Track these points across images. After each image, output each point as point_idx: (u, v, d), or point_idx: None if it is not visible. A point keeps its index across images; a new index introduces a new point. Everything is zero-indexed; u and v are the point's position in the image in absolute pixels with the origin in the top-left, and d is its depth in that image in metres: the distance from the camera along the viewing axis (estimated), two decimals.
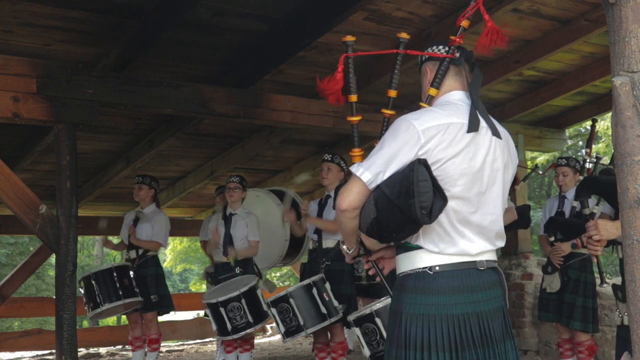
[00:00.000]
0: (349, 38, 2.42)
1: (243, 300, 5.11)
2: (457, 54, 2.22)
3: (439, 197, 1.93)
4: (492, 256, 2.14)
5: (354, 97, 2.43)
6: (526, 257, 6.89)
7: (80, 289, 5.62)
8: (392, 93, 2.41)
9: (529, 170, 6.15)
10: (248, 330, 5.20)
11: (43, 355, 8.77)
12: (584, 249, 4.82)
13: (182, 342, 10.25)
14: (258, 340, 9.34)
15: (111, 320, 18.46)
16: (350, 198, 2.02)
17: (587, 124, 13.42)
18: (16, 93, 4.26)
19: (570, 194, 5.11)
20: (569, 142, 14.10)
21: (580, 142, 15.84)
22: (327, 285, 4.89)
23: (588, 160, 5.21)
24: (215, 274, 5.78)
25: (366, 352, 4.26)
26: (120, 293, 5.55)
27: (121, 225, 6.29)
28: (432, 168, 1.96)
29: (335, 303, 4.87)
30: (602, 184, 3.39)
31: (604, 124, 12.22)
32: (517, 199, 6.48)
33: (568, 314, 4.96)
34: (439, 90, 2.23)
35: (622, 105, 1.81)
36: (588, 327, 4.91)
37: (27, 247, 18.81)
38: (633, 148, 1.81)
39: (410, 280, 2.06)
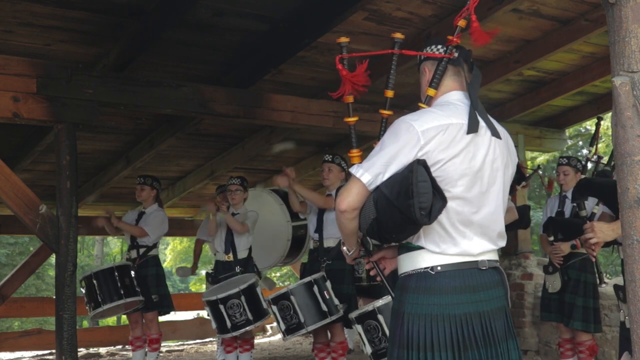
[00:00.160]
0: (343, 39, 2.42)
1: (242, 298, 5.12)
2: (456, 54, 2.22)
3: (439, 198, 1.93)
4: (494, 256, 2.14)
5: (350, 98, 2.43)
6: (526, 257, 6.89)
7: (82, 289, 5.62)
8: (389, 93, 2.41)
9: (529, 171, 6.14)
10: (247, 328, 5.20)
11: (43, 355, 8.76)
12: (584, 249, 4.82)
13: (182, 342, 10.25)
14: (258, 340, 9.34)
15: (111, 320, 18.45)
16: (350, 199, 2.03)
17: (587, 124, 13.43)
18: (16, 93, 4.26)
19: (571, 193, 5.11)
20: (569, 142, 14.10)
21: (581, 142, 15.85)
22: (328, 284, 4.89)
23: (594, 159, 5.18)
24: (216, 274, 5.78)
25: (368, 349, 4.26)
26: (122, 292, 5.55)
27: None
28: (432, 169, 1.97)
29: (336, 301, 4.87)
30: (598, 186, 3.39)
31: (604, 124, 12.20)
32: (518, 199, 6.47)
33: (568, 314, 4.96)
34: (437, 91, 2.22)
35: (622, 105, 1.81)
36: (589, 327, 4.91)
37: (27, 247, 18.80)
38: (633, 148, 1.81)
39: (412, 280, 2.06)
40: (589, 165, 5.26)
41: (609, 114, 4.58)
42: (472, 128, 2.05)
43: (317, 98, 5.81)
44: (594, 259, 3.06)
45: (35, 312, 10.36)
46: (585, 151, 15.64)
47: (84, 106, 4.51)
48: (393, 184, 1.96)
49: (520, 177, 5.09)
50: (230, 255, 5.67)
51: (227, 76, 5.34)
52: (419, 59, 2.32)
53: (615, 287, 3.04)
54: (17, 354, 9.00)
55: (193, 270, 6.94)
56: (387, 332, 4.16)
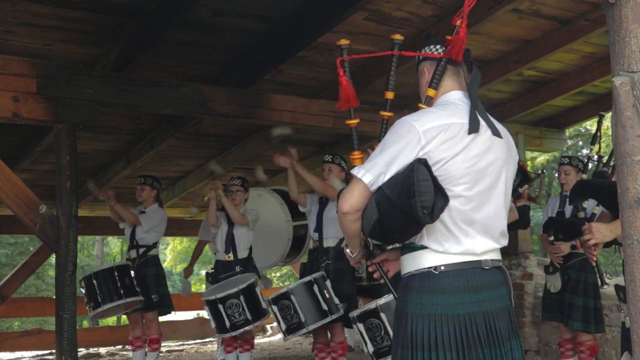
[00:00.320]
0: (344, 41, 2.42)
1: (241, 297, 5.12)
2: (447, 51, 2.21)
3: (440, 197, 1.93)
4: (497, 255, 2.14)
5: None
6: (526, 257, 6.89)
7: (81, 289, 5.62)
8: (389, 95, 2.41)
9: (531, 173, 6.14)
10: (246, 328, 5.20)
11: (43, 355, 8.76)
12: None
13: (182, 342, 10.25)
14: (258, 340, 9.34)
15: (111, 320, 18.45)
16: (352, 200, 2.02)
17: (587, 124, 13.43)
18: (16, 93, 4.26)
19: (569, 195, 5.10)
20: (569, 142, 14.10)
21: (581, 142, 15.84)
22: (328, 283, 4.89)
23: (595, 158, 5.16)
24: (216, 274, 5.79)
25: (370, 348, 4.26)
26: (122, 292, 5.55)
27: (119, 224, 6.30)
28: (434, 168, 1.97)
29: (336, 300, 4.87)
30: (596, 187, 3.39)
31: (604, 124, 12.21)
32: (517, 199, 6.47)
33: (567, 314, 4.95)
34: (437, 91, 2.22)
35: (622, 105, 1.81)
36: (589, 327, 4.90)
37: (27, 247, 18.80)
38: (633, 148, 1.81)
39: (416, 280, 2.06)
40: (590, 164, 5.25)
41: (609, 115, 4.56)
42: (473, 128, 2.05)
43: (317, 98, 5.81)
44: (594, 262, 3.04)
45: (35, 312, 10.36)
46: (585, 151, 15.64)
47: (84, 106, 4.51)
48: (394, 184, 1.96)
49: (523, 179, 5.08)
50: (231, 255, 5.67)
51: (227, 76, 5.34)
52: (417, 60, 2.32)
53: (617, 287, 3.04)
54: (17, 354, 9.00)
55: (188, 272, 6.92)
56: (390, 330, 4.16)
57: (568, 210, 5.09)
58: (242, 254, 5.70)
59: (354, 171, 2.05)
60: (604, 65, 5.74)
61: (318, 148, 7.70)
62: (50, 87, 4.38)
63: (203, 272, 21.31)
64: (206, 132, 6.79)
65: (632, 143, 1.81)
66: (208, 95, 5.05)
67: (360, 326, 4.31)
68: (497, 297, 2.08)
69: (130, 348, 6.51)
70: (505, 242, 2.17)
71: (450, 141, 2.00)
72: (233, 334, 5.25)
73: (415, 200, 1.89)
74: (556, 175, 7.62)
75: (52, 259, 11.25)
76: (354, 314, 4.38)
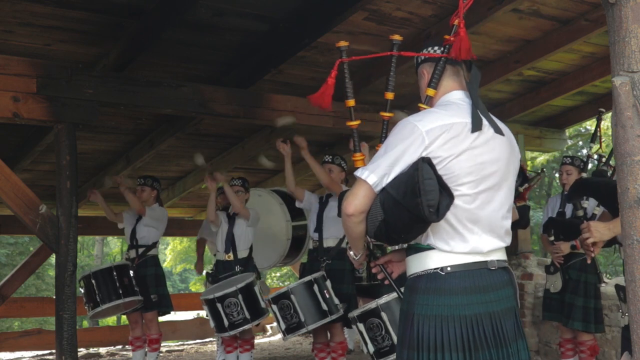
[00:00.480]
0: (343, 43, 2.42)
1: (240, 296, 5.12)
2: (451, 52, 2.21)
3: (445, 195, 1.94)
4: (503, 255, 2.14)
5: (351, 102, 2.43)
6: (526, 257, 6.89)
7: (80, 289, 5.62)
8: (389, 95, 2.41)
9: (531, 172, 6.13)
10: (245, 327, 5.20)
11: (43, 355, 8.77)
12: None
13: (182, 342, 10.25)
14: (258, 340, 9.34)
15: (111, 320, 18.46)
16: (357, 202, 2.02)
17: (587, 124, 13.42)
18: (16, 93, 4.26)
19: (568, 193, 5.09)
20: (569, 142, 14.11)
21: (581, 142, 15.85)
22: (328, 283, 4.89)
23: (595, 157, 5.13)
24: (216, 273, 5.79)
25: (370, 348, 4.25)
26: (120, 292, 5.56)
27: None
28: (438, 167, 1.97)
29: (336, 300, 4.87)
30: (594, 186, 3.38)
31: (604, 124, 12.20)
32: (517, 199, 6.47)
33: (568, 314, 4.95)
34: (437, 91, 2.22)
35: (622, 105, 1.81)
36: (590, 327, 4.90)
37: (27, 247, 18.81)
38: (633, 148, 1.81)
39: (422, 281, 2.06)
40: (590, 164, 5.23)
41: (609, 115, 4.56)
42: (476, 126, 2.05)
43: None
44: (589, 260, 3.04)
45: (35, 312, 10.36)
46: (585, 151, 15.64)
47: (84, 106, 4.51)
48: (399, 184, 1.96)
49: (523, 179, 5.08)
50: (231, 254, 5.67)
51: (227, 76, 5.34)
52: (416, 63, 2.32)
53: (617, 286, 3.04)
54: (17, 354, 9.00)
55: (200, 269, 6.95)
56: (390, 330, 4.16)
57: (568, 210, 5.09)
58: (242, 253, 5.70)
59: (358, 173, 2.04)
60: (604, 65, 5.74)
61: (318, 148, 7.69)
62: (50, 87, 4.38)
63: (203, 272, 21.32)
64: (206, 132, 6.79)
65: (632, 143, 1.81)
66: (208, 95, 5.05)
67: (361, 326, 4.30)
68: (503, 298, 2.08)
69: (130, 348, 6.51)
70: (509, 240, 2.17)
71: (454, 140, 2.01)
72: (231, 333, 5.25)
73: (421, 199, 1.89)
74: (556, 175, 7.61)
75: (52, 259, 11.25)
76: (354, 313, 4.37)
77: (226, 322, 5.15)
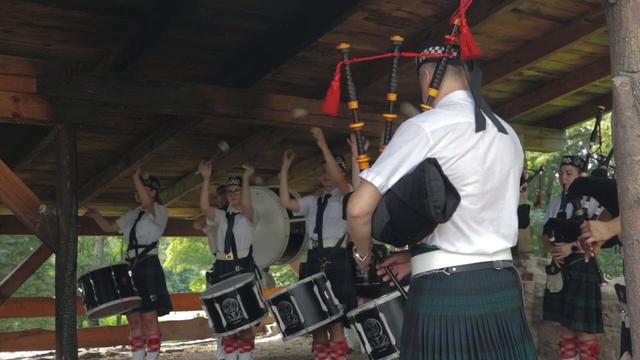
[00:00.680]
0: (344, 45, 2.41)
1: (238, 297, 5.13)
2: (455, 53, 2.21)
3: (452, 196, 1.93)
4: (508, 256, 2.14)
5: (354, 104, 2.42)
6: (526, 257, 6.89)
7: (79, 289, 5.63)
8: (392, 97, 2.40)
9: (530, 172, 6.12)
10: (243, 327, 5.21)
11: (43, 355, 8.77)
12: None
13: (182, 342, 10.25)
14: (258, 340, 9.34)
15: (111, 320, 18.47)
16: (362, 203, 2.01)
17: (587, 124, 13.41)
18: (16, 93, 4.26)
19: (567, 192, 5.08)
20: (569, 142, 14.10)
21: (581, 142, 15.84)
22: (328, 284, 4.89)
23: (595, 157, 5.11)
24: (216, 273, 5.79)
25: (368, 348, 4.25)
26: (118, 292, 5.56)
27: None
28: (443, 167, 1.96)
29: (336, 301, 4.87)
30: (593, 185, 3.38)
31: (603, 124, 12.20)
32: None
33: (569, 315, 4.94)
34: (439, 91, 2.22)
35: (622, 105, 1.81)
36: (591, 328, 4.89)
37: (27, 247, 18.81)
38: (633, 148, 1.81)
39: (427, 281, 2.05)
40: (590, 164, 5.22)
41: (609, 115, 4.56)
42: (480, 126, 2.04)
43: (317, 98, 5.81)
44: (587, 260, 3.03)
45: (35, 312, 10.37)
46: (585, 151, 15.61)
47: (84, 106, 4.51)
48: (405, 185, 1.96)
49: (521, 178, 5.07)
50: (230, 254, 5.68)
51: (227, 76, 5.34)
52: (417, 63, 2.31)
53: (617, 286, 3.03)
54: (17, 354, 9.01)
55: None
56: (388, 330, 4.15)
57: (569, 210, 5.07)
58: (242, 253, 5.71)
59: (363, 174, 2.03)
60: (604, 65, 5.74)
61: (318, 148, 7.68)
62: (50, 87, 4.38)
63: (203, 272, 21.32)
64: (206, 132, 6.79)
65: (632, 143, 1.81)
66: (208, 95, 5.04)
67: (359, 326, 4.29)
68: (508, 298, 2.08)
69: (130, 348, 6.51)
70: (515, 240, 2.16)
71: (458, 140, 2.00)
72: (230, 333, 5.25)
73: (427, 200, 1.88)
74: (556, 175, 7.60)
75: (52, 259, 11.26)
76: (352, 313, 4.37)
77: (224, 322, 5.16)
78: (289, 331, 4.86)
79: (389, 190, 1.99)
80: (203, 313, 8.55)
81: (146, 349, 6.12)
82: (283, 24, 4.56)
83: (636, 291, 1.81)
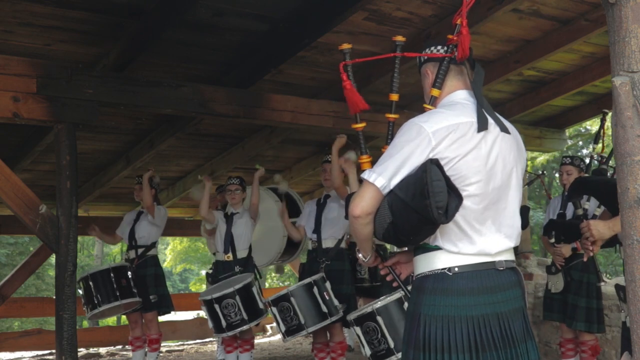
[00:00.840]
0: (346, 46, 2.41)
1: (237, 297, 5.12)
2: (457, 53, 2.21)
3: (454, 196, 1.93)
4: (511, 256, 2.13)
5: None
6: (526, 257, 6.89)
7: (79, 290, 5.63)
8: (394, 97, 2.40)
9: (531, 173, 6.12)
10: (243, 327, 5.20)
11: (43, 355, 8.77)
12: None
13: (182, 342, 10.25)
14: (258, 340, 9.34)
15: (111, 320, 18.45)
16: (363, 204, 2.01)
17: (587, 124, 13.43)
18: (16, 93, 4.26)
19: (567, 192, 5.07)
20: (569, 142, 14.09)
21: (581, 142, 15.84)
22: (328, 284, 4.90)
23: (596, 158, 5.10)
24: (215, 274, 5.79)
25: (367, 351, 4.25)
26: (118, 294, 5.56)
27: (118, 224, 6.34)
28: (445, 168, 1.96)
29: (336, 302, 4.87)
30: (593, 184, 3.38)
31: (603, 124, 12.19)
32: None
33: (571, 315, 4.94)
34: (441, 91, 2.21)
35: (622, 105, 1.81)
36: (592, 328, 4.89)
37: (27, 247, 18.81)
38: (633, 148, 1.81)
39: (429, 281, 2.05)
40: (592, 164, 5.21)
41: (609, 115, 4.55)
42: (482, 126, 2.04)
43: (317, 98, 5.81)
44: (585, 259, 3.03)
45: (35, 312, 10.37)
46: (585, 151, 15.63)
47: (84, 106, 4.51)
48: (407, 186, 1.95)
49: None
50: (230, 255, 5.67)
51: (227, 76, 5.34)
52: (419, 62, 2.31)
53: (617, 286, 3.04)
54: (17, 354, 9.01)
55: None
56: (386, 334, 4.15)
57: (569, 211, 5.06)
58: (242, 253, 5.70)
59: (365, 175, 2.03)
60: (604, 65, 5.74)
61: (318, 148, 7.69)
62: (50, 87, 4.38)
63: (203, 272, 21.33)
64: (206, 132, 6.79)
65: (632, 143, 1.81)
66: (208, 95, 5.04)
67: (358, 329, 4.30)
68: (511, 298, 2.07)
69: (130, 348, 6.51)
70: (518, 240, 2.15)
71: (460, 140, 2.00)
72: (229, 333, 5.25)
73: (429, 200, 1.88)
74: (556, 175, 7.60)
75: (52, 259, 11.26)
76: (351, 316, 4.37)
77: (224, 323, 5.16)
78: (289, 332, 4.87)
79: (391, 191, 1.99)
80: (203, 313, 8.56)
81: (146, 349, 6.12)
82: (283, 24, 4.56)
83: (636, 291, 1.81)
